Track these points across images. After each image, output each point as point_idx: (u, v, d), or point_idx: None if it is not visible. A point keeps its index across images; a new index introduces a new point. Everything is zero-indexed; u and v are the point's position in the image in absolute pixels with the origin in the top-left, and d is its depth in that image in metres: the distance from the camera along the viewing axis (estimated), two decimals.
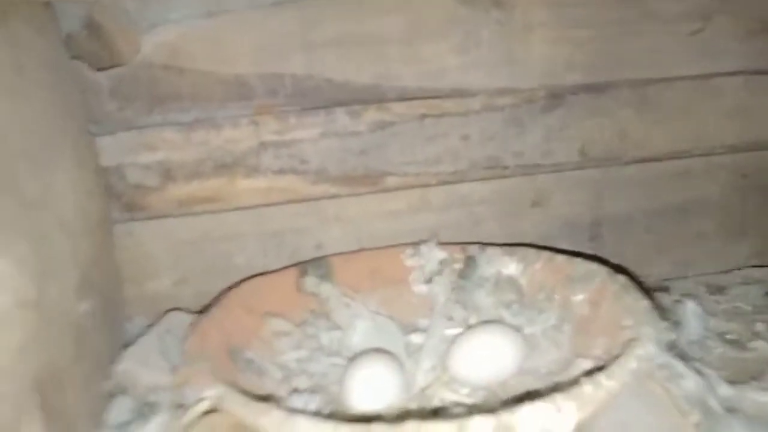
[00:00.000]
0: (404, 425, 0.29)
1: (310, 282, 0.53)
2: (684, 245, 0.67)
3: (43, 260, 0.37)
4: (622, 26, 0.58)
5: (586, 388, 0.31)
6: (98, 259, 0.47)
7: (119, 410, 0.43)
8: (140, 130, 0.52)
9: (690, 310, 0.56)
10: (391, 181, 0.58)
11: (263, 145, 0.55)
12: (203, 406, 0.37)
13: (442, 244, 0.57)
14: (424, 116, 0.57)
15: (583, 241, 0.64)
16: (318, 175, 0.56)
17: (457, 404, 0.42)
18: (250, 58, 0.53)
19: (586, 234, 0.64)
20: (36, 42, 0.41)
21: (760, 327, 0.56)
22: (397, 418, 0.36)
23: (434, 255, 0.56)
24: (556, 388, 0.39)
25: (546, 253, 0.52)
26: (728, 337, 0.55)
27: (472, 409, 0.40)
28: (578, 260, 0.50)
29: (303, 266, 0.54)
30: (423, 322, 0.53)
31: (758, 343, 0.53)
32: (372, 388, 0.42)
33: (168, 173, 0.53)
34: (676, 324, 0.54)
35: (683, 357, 0.48)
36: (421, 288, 0.56)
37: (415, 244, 0.57)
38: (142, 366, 0.45)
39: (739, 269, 0.68)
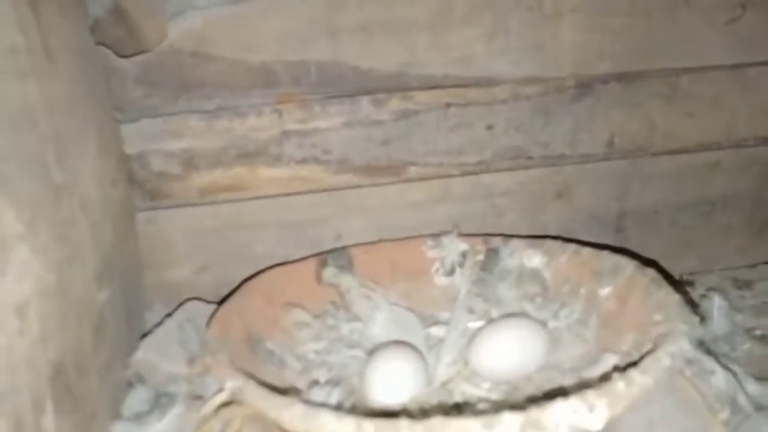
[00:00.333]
0: (430, 421, 0.29)
1: (330, 273, 0.53)
2: (711, 239, 0.66)
3: (65, 248, 0.37)
4: (657, 14, 0.56)
5: (618, 384, 0.30)
6: (120, 247, 0.47)
7: (137, 400, 0.43)
8: (165, 118, 0.52)
9: (717, 305, 0.55)
10: (413, 171, 0.58)
11: (286, 134, 0.54)
12: (221, 397, 0.36)
13: (464, 235, 0.56)
14: (448, 105, 0.56)
15: (607, 233, 0.63)
16: (340, 165, 0.56)
17: (480, 399, 0.41)
18: (276, 45, 0.52)
19: (611, 227, 0.63)
20: (63, 27, 0.41)
21: None
22: (420, 413, 0.36)
23: (456, 247, 0.55)
24: (584, 384, 0.38)
25: (572, 246, 0.51)
26: (756, 333, 0.54)
27: (498, 405, 0.39)
28: (605, 253, 0.49)
29: (323, 257, 0.53)
30: (443, 315, 0.53)
31: None
32: (393, 381, 0.42)
33: (191, 161, 0.53)
34: (702, 319, 0.53)
35: (710, 353, 0.47)
36: (442, 280, 0.55)
37: (437, 235, 0.56)
38: (161, 355, 0.45)
39: (767, 264, 0.67)
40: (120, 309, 0.46)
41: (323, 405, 0.36)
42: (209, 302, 0.53)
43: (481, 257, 0.55)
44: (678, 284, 0.45)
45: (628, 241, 0.63)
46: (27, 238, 0.32)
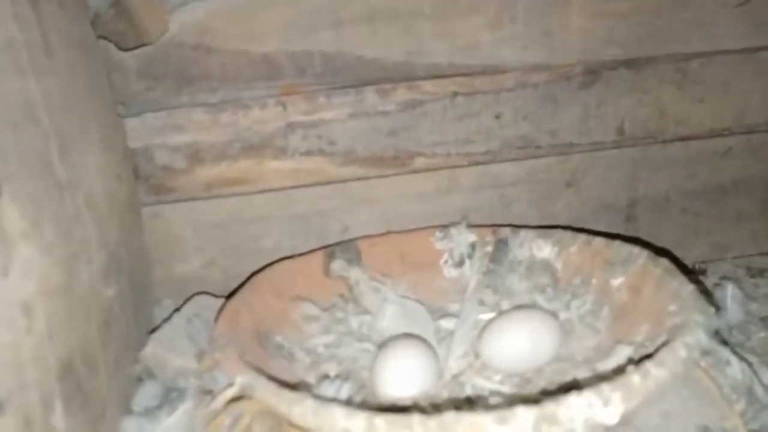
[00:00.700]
0: (443, 416, 0.28)
1: (338, 266, 0.52)
2: (723, 226, 0.65)
3: (71, 244, 0.36)
4: None
5: (634, 377, 0.30)
6: (126, 242, 0.47)
7: (147, 396, 0.43)
8: (168, 111, 0.51)
9: (730, 293, 0.54)
10: (420, 162, 0.57)
11: (291, 126, 0.53)
12: (231, 392, 0.36)
13: (473, 226, 0.55)
14: (455, 94, 0.55)
15: (618, 222, 0.62)
16: (346, 157, 0.55)
17: (492, 393, 0.41)
18: (279, 35, 0.51)
19: (621, 215, 0.62)
20: (63, 22, 0.40)
21: None
22: (432, 408, 0.36)
23: (464, 238, 0.55)
24: (599, 377, 0.38)
25: (582, 236, 0.51)
26: None
27: (511, 399, 0.39)
28: (617, 243, 0.48)
29: (330, 250, 0.53)
30: (453, 307, 0.52)
31: None
32: (404, 375, 0.41)
33: (196, 155, 0.53)
34: (717, 309, 0.52)
35: (725, 343, 0.46)
36: (452, 272, 0.55)
37: (445, 226, 0.56)
38: (170, 350, 0.45)
39: None
40: (128, 304, 0.45)
41: (334, 400, 0.36)
42: (217, 296, 0.53)
43: (490, 248, 0.54)
44: (692, 274, 0.44)
45: (639, 230, 0.62)
46: (31, 236, 0.31)
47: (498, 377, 0.44)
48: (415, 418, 0.28)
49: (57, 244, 0.34)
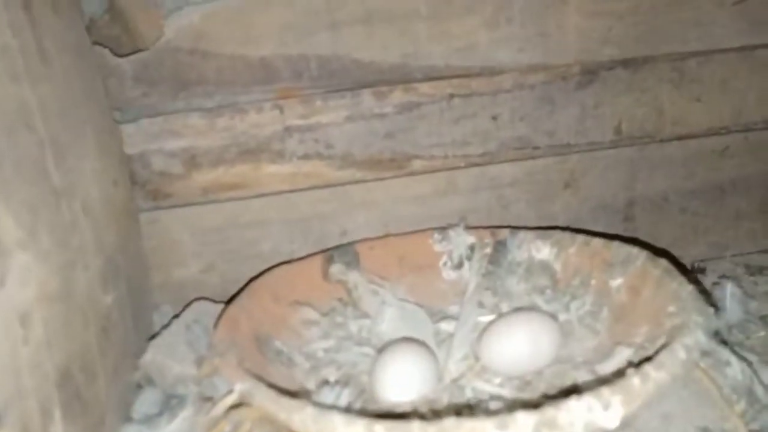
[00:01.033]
0: (443, 422, 0.28)
1: (337, 269, 0.52)
2: (721, 225, 0.65)
3: (68, 251, 0.36)
4: None
5: (634, 380, 0.30)
6: (124, 249, 0.47)
7: (146, 403, 0.43)
8: (165, 117, 0.51)
9: (729, 292, 0.54)
10: (417, 164, 0.57)
11: (288, 130, 0.53)
12: (231, 399, 0.36)
13: (471, 228, 0.55)
14: (452, 96, 0.55)
15: (616, 222, 0.62)
16: (344, 160, 0.55)
17: (492, 396, 0.41)
18: (275, 39, 0.51)
19: (619, 215, 0.62)
20: (58, 27, 0.40)
21: None
22: (431, 413, 0.35)
23: (463, 240, 0.55)
24: (599, 380, 0.37)
25: (581, 237, 0.50)
26: None
27: (511, 404, 0.38)
28: (616, 244, 0.48)
29: (329, 254, 0.53)
30: (453, 309, 0.52)
31: None
32: (403, 379, 0.41)
33: (193, 160, 0.53)
34: (716, 309, 0.52)
35: (725, 343, 0.46)
36: (450, 274, 0.55)
37: (443, 228, 0.55)
38: (170, 357, 0.45)
39: None
40: (127, 311, 0.45)
41: (333, 406, 0.36)
42: (216, 302, 0.52)
43: (489, 250, 0.54)
44: (690, 273, 0.44)
45: (637, 230, 0.62)
46: (27, 244, 0.31)
47: (498, 380, 0.44)
48: (415, 425, 0.28)
49: (53, 251, 0.34)
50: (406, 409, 0.39)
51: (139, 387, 0.45)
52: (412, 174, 0.57)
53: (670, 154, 0.61)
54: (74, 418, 0.34)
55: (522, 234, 0.53)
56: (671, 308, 0.38)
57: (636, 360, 0.37)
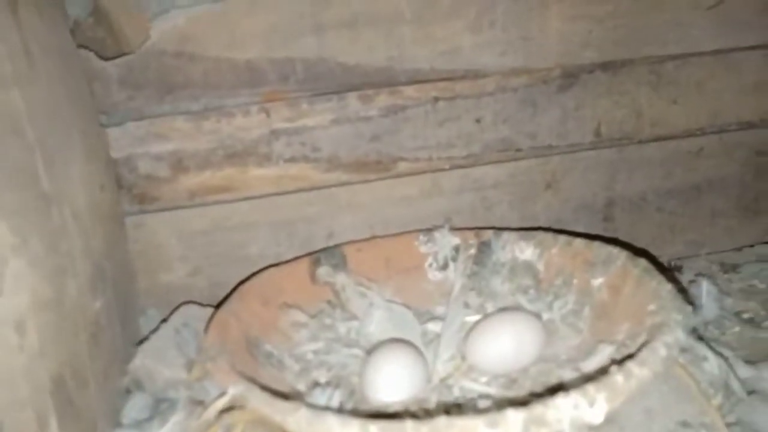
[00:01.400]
0: (435, 422, 0.29)
1: (324, 272, 0.52)
2: (697, 224, 0.66)
3: (58, 258, 0.36)
4: (641, 1, 0.56)
5: (618, 377, 0.31)
6: (110, 253, 0.47)
7: (136, 407, 0.43)
8: (151, 120, 0.51)
9: (705, 290, 0.55)
10: (402, 166, 0.57)
11: (274, 133, 0.54)
12: (222, 402, 0.36)
13: (456, 229, 0.56)
14: (436, 99, 0.56)
15: (596, 222, 0.63)
16: (330, 163, 0.56)
17: (480, 395, 0.42)
18: (261, 42, 0.52)
19: (599, 215, 0.64)
20: (43, 30, 0.40)
21: None
22: (423, 413, 0.36)
23: (448, 241, 0.56)
24: (583, 378, 0.39)
25: (563, 237, 0.52)
26: (744, 316, 0.55)
27: (499, 402, 0.39)
28: (597, 244, 0.49)
29: (316, 256, 0.53)
30: (439, 310, 0.53)
31: None
32: (393, 380, 0.42)
33: (179, 163, 0.53)
34: (694, 306, 0.53)
35: (702, 339, 0.47)
36: (436, 275, 0.55)
37: (429, 230, 0.56)
38: (159, 361, 0.45)
39: (752, 246, 0.68)
40: (114, 316, 0.45)
41: (326, 408, 0.36)
42: (204, 305, 0.52)
43: (473, 251, 0.55)
44: (669, 272, 0.45)
45: (616, 229, 0.64)
46: (21, 250, 0.31)
47: (485, 379, 0.44)
48: (408, 424, 0.29)
49: (45, 257, 0.34)
50: (397, 409, 0.40)
51: (128, 392, 0.45)
52: (397, 176, 0.58)
53: (649, 155, 0.62)
54: (68, 426, 0.34)
55: (506, 235, 0.54)
56: (651, 306, 0.40)
57: (618, 357, 0.38)
